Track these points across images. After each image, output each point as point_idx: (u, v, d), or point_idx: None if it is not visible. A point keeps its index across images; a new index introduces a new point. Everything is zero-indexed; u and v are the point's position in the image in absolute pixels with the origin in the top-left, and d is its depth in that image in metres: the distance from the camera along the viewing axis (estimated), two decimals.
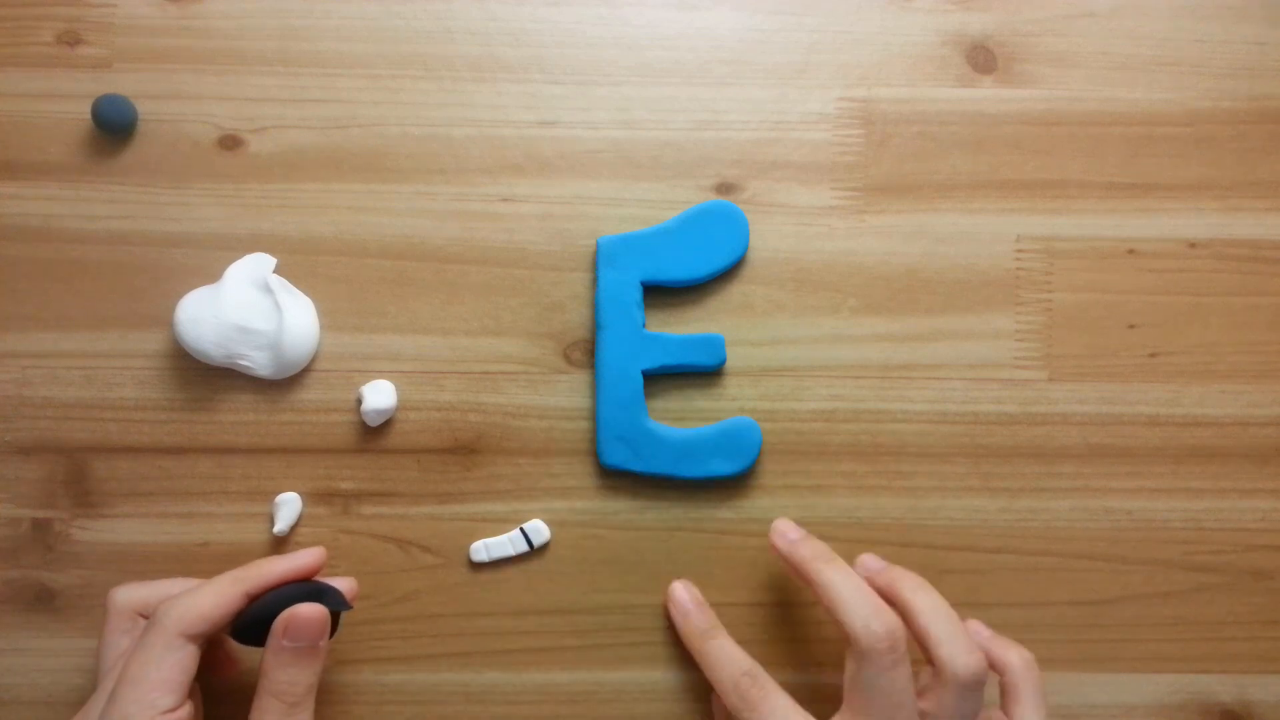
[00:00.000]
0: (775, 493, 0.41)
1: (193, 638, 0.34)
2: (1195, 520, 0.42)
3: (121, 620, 0.37)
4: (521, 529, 0.41)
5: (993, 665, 0.37)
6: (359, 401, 0.41)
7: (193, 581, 0.37)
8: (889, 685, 0.34)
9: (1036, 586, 0.41)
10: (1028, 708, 0.36)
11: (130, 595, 0.37)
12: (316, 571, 0.38)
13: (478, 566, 0.41)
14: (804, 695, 0.40)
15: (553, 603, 0.41)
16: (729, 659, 0.37)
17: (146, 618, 0.36)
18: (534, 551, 0.41)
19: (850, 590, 0.35)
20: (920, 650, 0.35)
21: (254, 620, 0.35)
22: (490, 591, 0.41)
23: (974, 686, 0.34)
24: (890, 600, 0.36)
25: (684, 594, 0.40)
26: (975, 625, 0.38)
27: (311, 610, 0.35)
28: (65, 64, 0.42)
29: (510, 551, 0.41)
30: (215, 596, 0.35)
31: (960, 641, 0.34)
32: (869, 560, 0.38)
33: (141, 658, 0.34)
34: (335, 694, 0.40)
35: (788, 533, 0.38)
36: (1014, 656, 0.37)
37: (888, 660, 0.34)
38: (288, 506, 0.41)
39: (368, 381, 0.41)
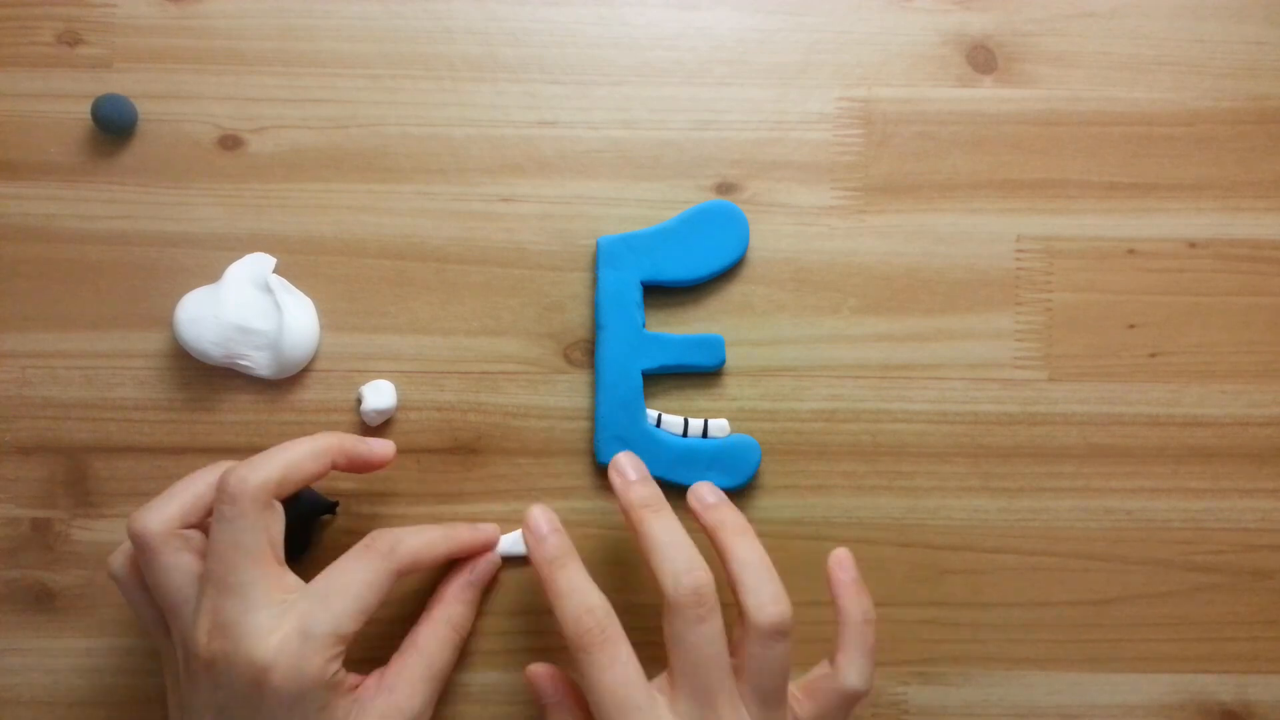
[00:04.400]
0: (775, 493, 0.41)
1: (401, 573, 0.35)
2: (1195, 520, 0.42)
3: (172, 542, 0.34)
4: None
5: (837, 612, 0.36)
6: (359, 401, 0.41)
7: (202, 476, 0.36)
8: (698, 638, 0.34)
9: (1036, 586, 0.41)
10: (849, 658, 0.36)
11: (165, 515, 0.34)
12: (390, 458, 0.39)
13: None
14: None
15: None
16: (576, 590, 0.35)
17: (196, 525, 0.35)
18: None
19: (667, 542, 0.35)
20: (733, 597, 0.35)
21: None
22: (490, 591, 0.41)
23: (774, 635, 0.34)
24: (713, 540, 0.36)
25: (540, 518, 0.37)
26: (841, 558, 0.37)
27: (494, 558, 0.40)
28: (65, 64, 0.42)
29: (520, 550, 0.40)
30: (428, 538, 0.37)
31: (767, 590, 0.34)
32: (704, 491, 0.38)
33: (353, 569, 0.34)
34: None
35: (627, 472, 0.37)
36: (854, 608, 0.36)
37: (694, 614, 0.34)
38: (379, 394, 0.41)
39: (368, 381, 0.41)
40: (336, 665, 0.33)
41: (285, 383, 0.41)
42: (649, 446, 0.40)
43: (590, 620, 0.34)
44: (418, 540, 0.36)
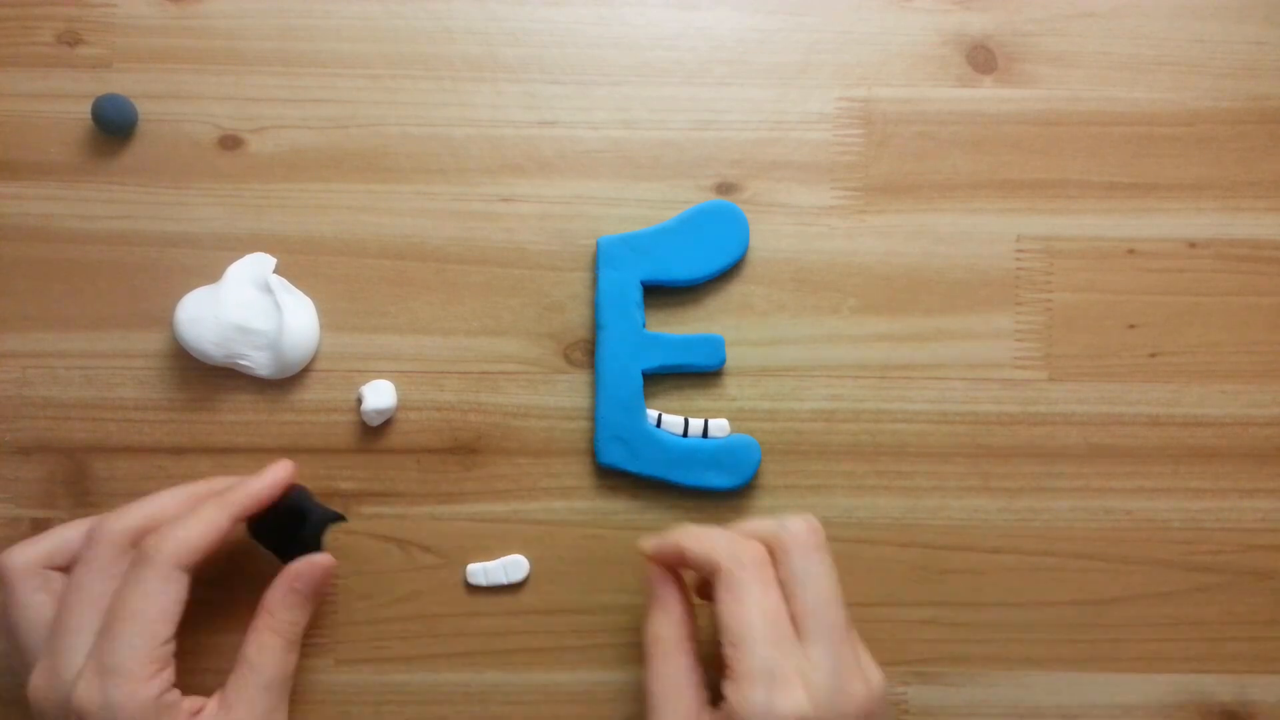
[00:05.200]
0: (775, 493, 0.41)
1: (187, 569, 0.34)
2: (1195, 520, 0.42)
3: (30, 581, 0.35)
4: (502, 563, 0.41)
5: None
6: (359, 401, 0.41)
7: (78, 524, 0.36)
8: (822, 567, 0.34)
9: (1036, 586, 0.41)
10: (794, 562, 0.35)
11: (27, 554, 0.35)
12: (289, 478, 0.38)
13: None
14: None
15: (553, 603, 0.41)
16: (719, 531, 0.36)
17: (61, 569, 0.35)
18: (508, 585, 0.41)
19: (709, 535, 0.35)
20: (707, 575, 0.35)
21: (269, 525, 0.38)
22: (490, 592, 0.41)
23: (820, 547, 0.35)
24: (676, 561, 0.36)
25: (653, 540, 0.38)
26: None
27: (325, 561, 0.38)
28: (65, 64, 0.42)
29: (497, 580, 0.41)
30: (205, 526, 0.35)
31: (791, 519, 0.35)
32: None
33: (139, 593, 0.33)
34: (335, 694, 0.40)
35: (651, 542, 0.37)
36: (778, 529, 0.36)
37: (814, 542, 0.34)
38: (379, 394, 0.41)
39: (368, 381, 0.41)
40: (158, 686, 0.33)
41: (285, 383, 0.41)
42: (649, 446, 0.40)
43: (743, 548, 0.34)
44: (188, 530, 0.34)
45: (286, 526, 0.39)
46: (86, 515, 0.41)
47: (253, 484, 0.37)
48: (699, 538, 0.35)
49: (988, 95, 0.43)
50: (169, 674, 0.34)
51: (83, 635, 0.33)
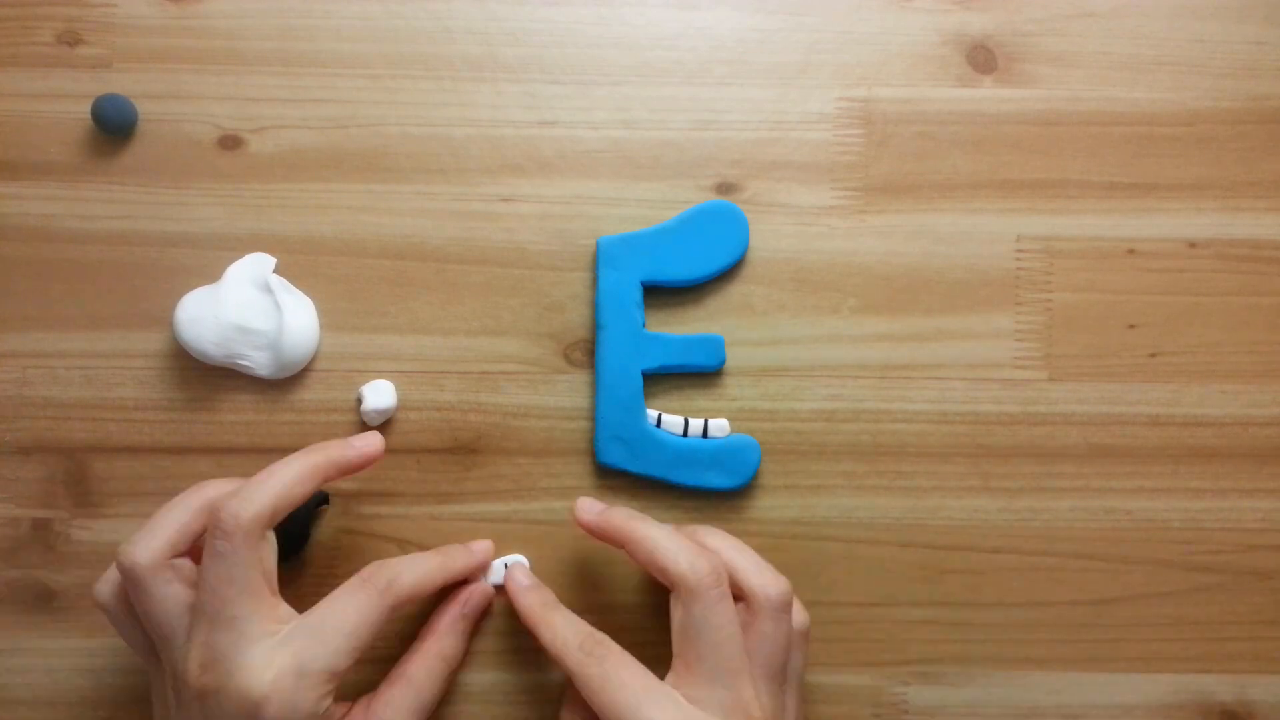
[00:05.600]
0: (775, 493, 0.41)
1: (395, 600, 0.35)
2: (1195, 520, 0.42)
3: (162, 574, 0.34)
4: (504, 562, 0.41)
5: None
6: (359, 401, 0.41)
7: (184, 503, 0.36)
8: (718, 618, 0.34)
9: (1036, 586, 0.41)
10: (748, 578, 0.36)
11: (153, 548, 0.34)
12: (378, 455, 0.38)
13: None
14: (809, 698, 0.40)
15: None
16: (567, 621, 0.37)
17: (185, 553, 0.35)
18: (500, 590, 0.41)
19: (668, 539, 0.36)
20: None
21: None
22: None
23: (784, 608, 0.35)
24: (614, 543, 0.37)
25: (521, 574, 0.40)
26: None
27: (487, 589, 0.40)
28: (65, 64, 0.42)
29: (498, 579, 0.41)
30: (420, 567, 0.36)
31: (766, 570, 0.36)
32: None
33: (347, 604, 0.34)
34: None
35: (591, 507, 0.38)
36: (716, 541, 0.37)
37: (715, 594, 0.34)
38: (379, 394, 0.41)
39: (368, 381, 0.41)
40: (328, 701, 0.33)
41: (285, 383, 0.41)
42: (649, 446, 0.40)
43: (590, 641, 0.35)
44: (413, 574, 0.36)
45: None
46: (87, 515, 0.41)
47: (336, 448, 0.37)
48: (653, 540, 0.36)
49: (988, 95, 0.43)
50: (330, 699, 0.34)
51: (246, 625, 0.33)
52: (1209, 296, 0.42)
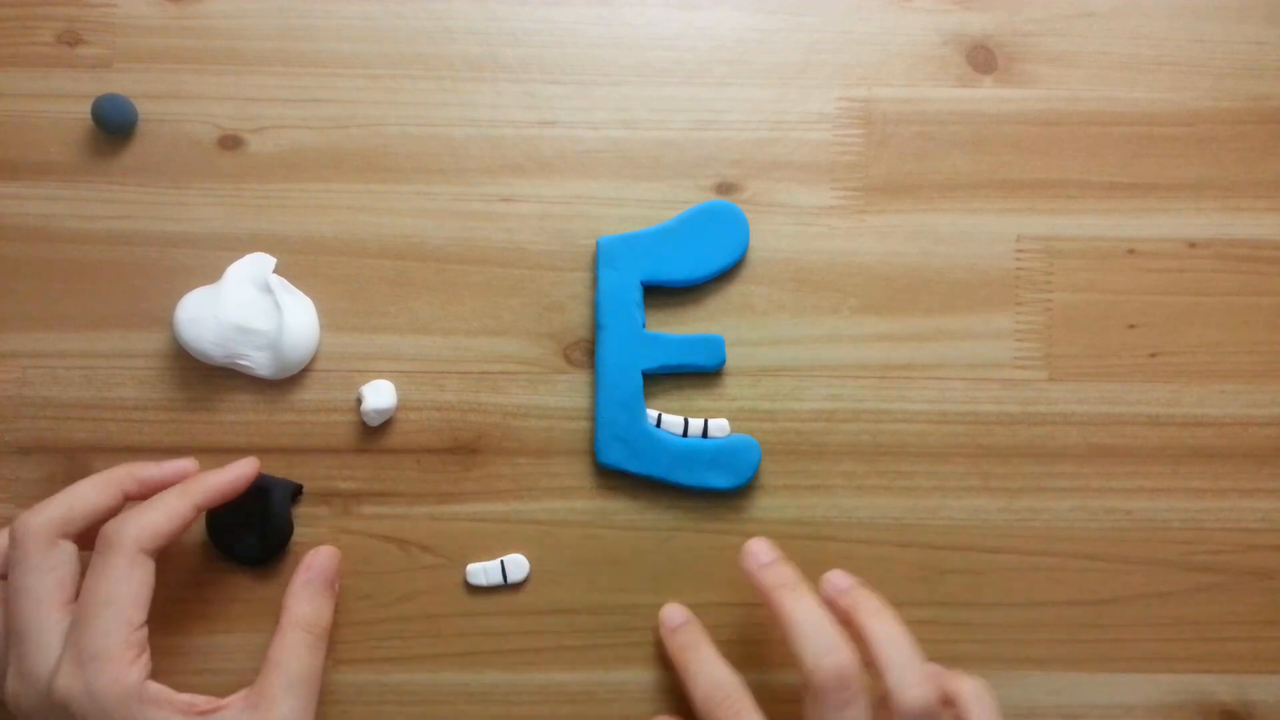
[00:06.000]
0: (775, 493, 0.41)
1: (151, 553, 0.34)
2: (1195, 520, 0.42)
3: (37, 549, 0.34)
4: (501, 561, 0.41)
5: (947, 697, 0.35)
6: (359, 401, 0.41)
7: (94, 482, 0.36)
8: None
9: (1036, 586, 0.41)
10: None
11: (40, 526, 0.34)
12: (254, 476, 0.39)
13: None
14: None
15: (553, 603, 0.41)
16: (708, 665, 0.37)
17: (79, 539, 0.35)
18: (508, 585, 0.41)
19: (808, 623, 0.34)
20: (874, 678, 0.35)
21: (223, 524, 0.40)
22: (490, 592, 0.41)
23: (922, 716, 0.33)
24: (849, 624, 0.35)
25: (673, 611, 0.40)
26: (932, 667, 0.36)
27: (330, 549, 0.39)
28: (65, 64, 0.42)
29: (497, 580, 0.41)
30: (168, 512, 0.35)
31: (912, 671, 0.34)
32: (836, 579, 0.37)
33: (107, 579, 0.33)
34: (335, 694, 0.40)
35: (759, 555, 0.38)
36: (966, 686, 0.35)
37: (837, 699, 0.33)
38: (379, 394, 0.41)
39: (368, 381, 0.41)
40: (138, 673, 0.33)
41: (285, 383, 0.41)
42: (649, 446, 0.40)
43: (721, 693, 0.35)
44: (151, 516, 0.34)
45: (252, 508, 0.40)
46: None
47: (216, 476, 0.37)
48: (798, 625, 0.35)
49: (988, 95, 0.43)
50: (146, 660, 0.34)
51: (44, 633, 0.33)
52: (1209, 296, 0.42)
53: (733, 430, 0.41)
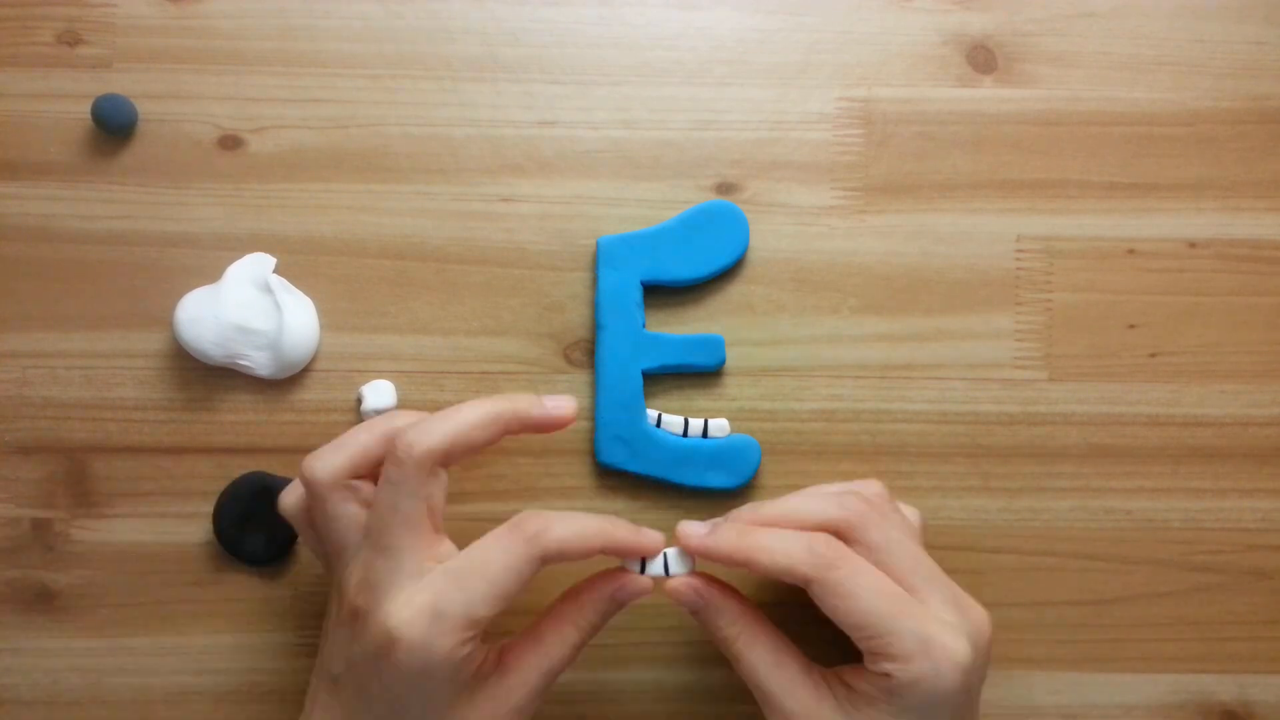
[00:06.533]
0: (775, 493, 0.41)
1: (543, 558, 0.33)
2: (1195, 520, 0.42)
3: (339, 493, 0.34)
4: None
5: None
6: (359, 402, 0.41)
7: (369, 428, 0.36)
8: (861, 583, 0.33)
9: (1036, 586, 0.41)
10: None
11: (333, 466, 0.35)
12: (573, 419, 0.37)
13: None
14: None
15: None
16: (785, 538, 0.34)
17: (366, 476, 0.35)
18: None
19: (773, 545, 0.34)
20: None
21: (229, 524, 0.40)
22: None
23: (882, 510, 0.35)
24: (738, 566, 0.35)
25: (695, 525, 0.36)
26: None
27: (646, 584, 0.36)
28: (65, 64, 0.42)
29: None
30: (458, 423, 0.34)
31: (838, 499, 0.35)
32: (687, 530, 0.36)
33: (497, 549, 0.33)
34: None
35: (695, 530, 0.36)
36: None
37: (834, 575, 0.33)
38: (379, 394, 0.41)
39: (368, 381, 0.41)
40: (467, 649, 0.32)
41: (285, 383, 0.41)
42: (649, 446, 0.40)
43: (822, 546, 0.33)
44: (567, 529, 0.34)
45: (257, 509, 0.40)
46: (87, 515, 0.41)
47: (540, 409, 0.36)
48: (768, 550, 0.34)
49: (988, 95, 0.43)
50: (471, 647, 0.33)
51: (401, 555, 0.33)
52: (1209, 296, 0.42)
53: (733, 430, 0.41)
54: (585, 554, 0.34)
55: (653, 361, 0.41)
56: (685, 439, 0.41)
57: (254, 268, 0.41)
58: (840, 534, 0.34)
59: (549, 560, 0.33)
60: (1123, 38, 0.43)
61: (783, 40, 0.43)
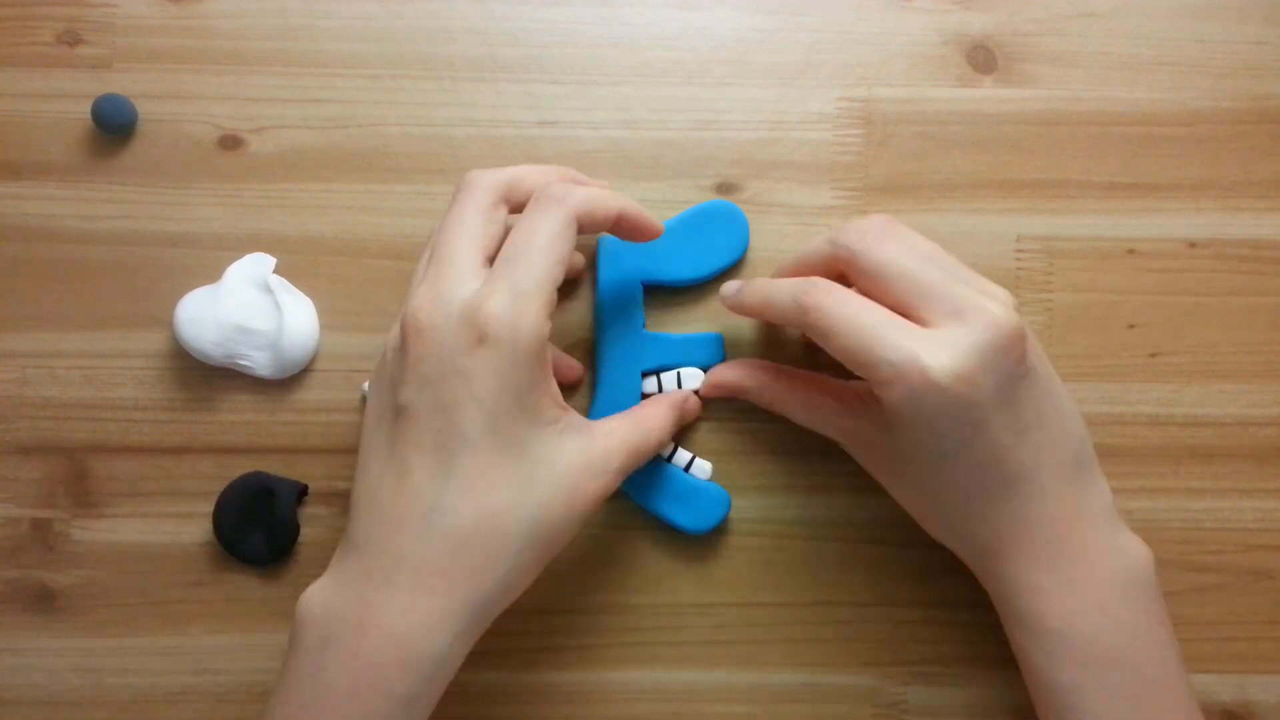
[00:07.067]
0: (775, 492, 0.41)
1: (579, 224, 0.34)
2: (1195, 520, 0.42)
3: (485, 198, 0.35)
4: None
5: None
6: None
7: (543, 167, 0.38)
8: (903, 241, 0.35)
9: None
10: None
11: (493, 181, 0.36)
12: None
13: None
14: (809, 698, 0.41)
15: (553, 603, 0.41)
16: (771, 284, 0.37)
17: (511, 203, 0.36)
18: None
19: (774, 291, 0.36)
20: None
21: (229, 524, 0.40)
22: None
23: (860, 234, 0.36)
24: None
25: (731, 284, 0.39)
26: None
27: (697, 404, 0.40)
28: (65, 64, 0.42)
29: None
30: (604, 198, 0.35)
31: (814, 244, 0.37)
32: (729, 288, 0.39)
33: (548, 228, 0.34)
34: None
35: (730, 286, 0.39)
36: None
37: (874, 231, 0.35)
38: None
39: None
40: (548, 324, 0.33)
41: (285, 383, 0.41)
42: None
43: (802, 294, 0.35)
44: (587, 192, 0.35)
45: (259, 508, 0.40)
46: (87, 515, 0.41)
47: (626, 202, 0.37)
48: (772, 305, 0.36)
49: (988, 95, 0.43)
50: (549, 325, 0.34)
51: (468, 264, 0.34)
52: (1209, 296, 0.42)
53: (733, 430, 0.41)
54: (607, 216, 0.36)
55: (652, 362, 0.41)
56: (669, 463, 0.40)
57: (254, 268, 0.41)
58: (841, 270, 0.36)
59: (581, 221, 0.34)
60: (1123, 38, 0.43)
61: (783, 40, 0.43)
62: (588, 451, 0.34)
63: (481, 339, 0.32)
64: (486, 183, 0.35)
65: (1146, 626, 0.35)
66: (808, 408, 0.39)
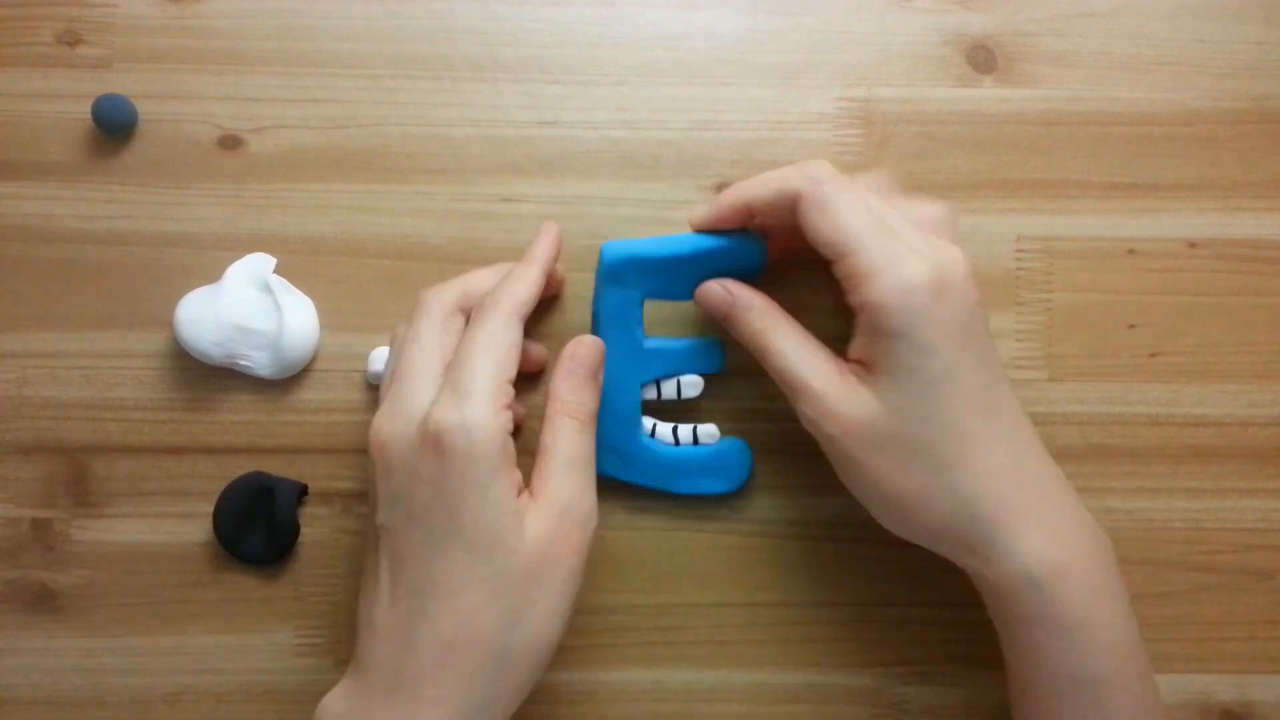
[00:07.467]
0: (775, 492, 0.41)
1: (522, 318, 0.36)
2: (1195, 520, 0.42)
3: (439, 310, 0.37)
4: None
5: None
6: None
7: (489, 270, 0.39)
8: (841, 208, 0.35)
9: None
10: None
11: (444, 295, 0.37)
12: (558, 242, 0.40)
13: None
14: (809, 698, 0.41)
15: None
16: (776, 170, 0.37)
17: (465, 311, 0.38)
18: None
19: (767, 176, 0.37)
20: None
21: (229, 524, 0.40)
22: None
23: (826, 180, 0.35)
24: (742, 217, 0.38)
25: (698, 209, 0.39)
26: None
27: (593, 339, 0.38)
28: (65, 64, 0.42)
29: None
30: (530, 282, 0.37)
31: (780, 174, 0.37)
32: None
33: (486, 332, 0.35)
34: None
35: (700, 214, 0.39)
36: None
37: (833, 184, 0.35)
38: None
39: (370, 372, 0.41)
40: (506, 419, 0.34)
41: (285, 383, 0.41)
42: (643, 458, 0.40)
43: (813, 168, 0.36)
44: (518, 285, 0.36)
45: (259, 508, 0.40)
46: (87, 515, 0.41)
47: (543, 244, 0.39)
48: (763, 183, 0.36)
49: (988, 95, 0.43)
50: (510, 418, 0.34)
51: (425, 377, 0.35)
52: (1209, 296, 0.42)
53: (733, 430, 0.41)
54: (537, 294, 0.37)
55: (650, 375, 0.40)
56: (678, 448, 0.40)
57: (254, 268, 0.41)
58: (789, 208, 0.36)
59: (522, 316, 0.36)
60: (1123, 38, 0.43)
61: (783, 40, 0.43)
62: (555, 516, 0.35)
63: (437, 446, 0.33)
64: (439, 298, 0.37)
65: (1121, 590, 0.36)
66: (800, 348, 0.37)
